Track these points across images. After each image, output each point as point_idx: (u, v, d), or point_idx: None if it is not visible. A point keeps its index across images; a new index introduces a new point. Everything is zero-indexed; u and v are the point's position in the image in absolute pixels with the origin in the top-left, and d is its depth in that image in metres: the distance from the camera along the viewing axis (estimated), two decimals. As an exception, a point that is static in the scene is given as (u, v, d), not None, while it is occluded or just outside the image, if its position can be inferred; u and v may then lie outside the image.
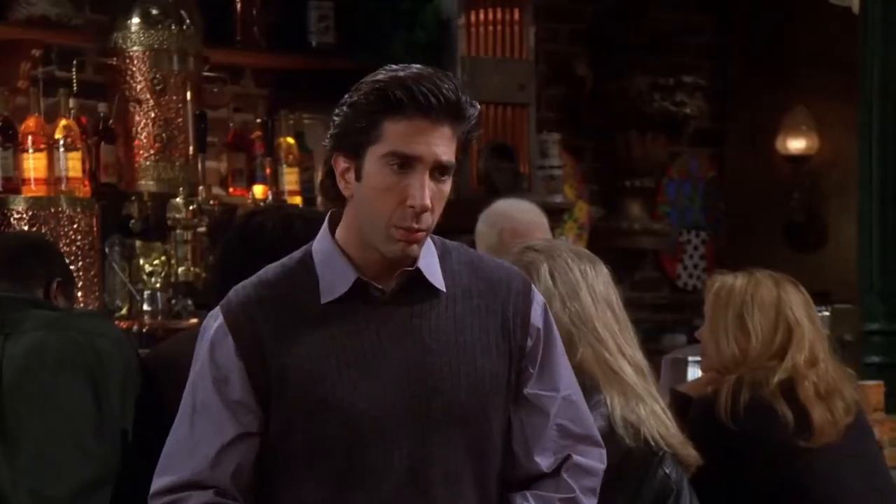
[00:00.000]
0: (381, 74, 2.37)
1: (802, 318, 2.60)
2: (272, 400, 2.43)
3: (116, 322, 4.45)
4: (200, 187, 4.81)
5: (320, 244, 2.48)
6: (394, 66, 2.42)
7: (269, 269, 2.51)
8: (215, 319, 2.46)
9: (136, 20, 4.82)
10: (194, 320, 4.54)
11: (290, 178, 5.26)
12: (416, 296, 2.48)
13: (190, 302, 4.77)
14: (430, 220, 2.39)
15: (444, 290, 2.50)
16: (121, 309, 4.76)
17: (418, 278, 2.47)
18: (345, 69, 5.02)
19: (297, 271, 2.47)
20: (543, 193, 5.75)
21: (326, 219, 2.50)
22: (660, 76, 6.76)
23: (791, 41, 7.10)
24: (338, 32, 5.61)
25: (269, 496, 2.49)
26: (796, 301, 2.62)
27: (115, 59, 4.82)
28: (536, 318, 2.52)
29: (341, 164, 2.42)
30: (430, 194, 2.37)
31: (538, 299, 2.54)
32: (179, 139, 4.84)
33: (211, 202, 4.84)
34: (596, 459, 2.51)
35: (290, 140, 5.28)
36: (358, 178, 2.40)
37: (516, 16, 5.74)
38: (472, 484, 2.49)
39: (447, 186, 2.42)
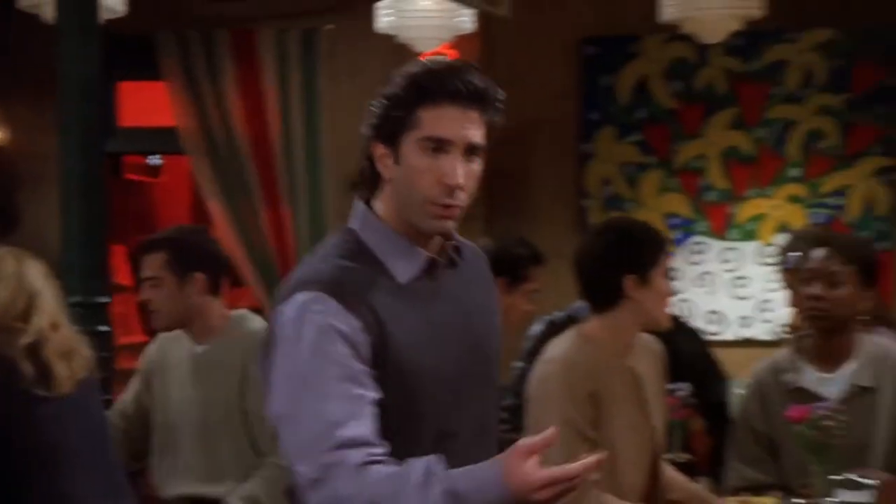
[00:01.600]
0: (414, 67, 2.54)
1: (42, 287, 2.89)
2: (377, 367, 2.50)
3: None
4: None
5: (370, 228, 2.60)
6: (426, 60, 2.60)
7: (330, 252, 2.60)
8: (312, 298, 2.48)
9: None
10: None
11: None
12: (453, 270, 2.68)
13: None
14: (463, 196, 2.56)
15: (463, 263, 2.71)
16: None
17: (455, 251, 2.69)
18: None
19: (357, 253, 2.58)
20: None
21: (361, 204, 2.62)
22: None
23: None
24: None
25: None
26: (35, 273, 2.91)
27: None
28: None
29: (380, 150, 2.56)
30: (463, 173, 2.53)
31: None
32: None
33: None
34: None
35: None
36: (396, 161, 2.54)
37: None
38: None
39: (478, 166, 2.58)
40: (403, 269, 2.57)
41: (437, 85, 2.51)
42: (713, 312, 7.11)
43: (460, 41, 6.53)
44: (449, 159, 2.51)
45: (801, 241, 4.80)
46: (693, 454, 4.48)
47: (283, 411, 2.49)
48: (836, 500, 3.90)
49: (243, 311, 4.64)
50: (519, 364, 5.00)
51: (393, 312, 2.52)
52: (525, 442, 2.41)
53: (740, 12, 5.94)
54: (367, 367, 2.48)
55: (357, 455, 2.41)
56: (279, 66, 7.20)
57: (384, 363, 2.50)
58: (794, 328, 4.82)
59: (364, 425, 2.44)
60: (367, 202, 2.63)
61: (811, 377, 4.26)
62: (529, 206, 7.31)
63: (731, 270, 7.18)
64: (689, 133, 7.33)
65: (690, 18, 6.05)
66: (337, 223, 7.16)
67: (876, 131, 7.25)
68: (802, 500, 3.99)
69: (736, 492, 4.20)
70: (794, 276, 4.48)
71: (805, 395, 4.19)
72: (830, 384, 4.26)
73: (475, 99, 2.52)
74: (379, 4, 6.11)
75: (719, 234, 7.22)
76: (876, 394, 4.22)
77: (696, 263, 7.18)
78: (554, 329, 4.66)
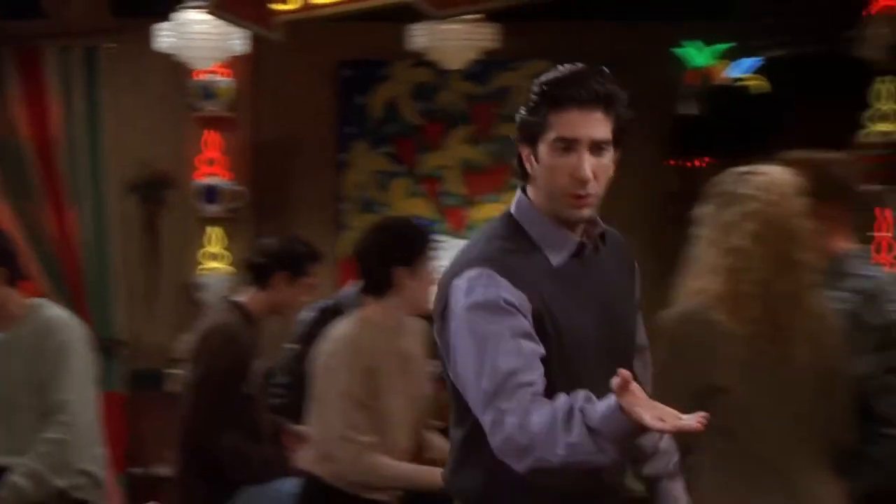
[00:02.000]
0: (544, 77, 2.61)
1: None
2: (542, 325, 2.57)
3: None
4: None
5: (527, 214, 2.66)
6: (558, 69, 2.62)
7: (494, 234, 2.68)
8: (482, 273, 2.56)
9: None
10: None
11: None
12: (597, 255, 2.73)
13: None
14: (594, 187, 2.61)
15: (605, 248, 2.76)
16: None
17: (600, 236, 2.74)
18: None
19: (516, 235, 2.66)
20: None
21: (520, 192, 2.68)
22: None
23: None
24: None
25: None
26: None
27: None
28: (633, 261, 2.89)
29: (525, 151, 2.63)
30: (591, 166, 2.58)
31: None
32: None
33: None
34: None
35: None
36: (537, 160, 2.61)
37: None
38: None
39: (606, 159, 2.62)
40: (556, 253, 2.65)
41: (561, 92, 2.57)
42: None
43: (234, 61, 6.68)
44: (577, 155, 2.57)
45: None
46: (444, 421, 4.54)
47: (466, 370, 2.55)
48: None
49: (41, 300, 4.62)
50: (291, 346, 5.09)
51: (549, 291, 2.60)
52: (618, 380, 2.36)
53: (477, 44, 6.29)
54: (533, 330, 2.55)
55: (526, 396, 2.46)
56: (63, 80, 7.22)
57: (545, 331, 2.58)
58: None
59: (534, 372, 2.50)
60: (524, 190, 2.69)
61: None
62: (293, 209, 7.44)
63: (466, 265, 7.34)
64: (432, 146, 7.63)
65: (435, 47, 6.37)
66: (119, 223, 7.26)
67: (589, 147, 7.64)
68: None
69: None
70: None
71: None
72: None
73: (596, 101, 2.57)
74: (158, 26, 6.19)
75: (457, 233, 7.43)
76: None
77: (437, 259, 7.41)
78: (325, 315, 4.78)
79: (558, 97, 2.56)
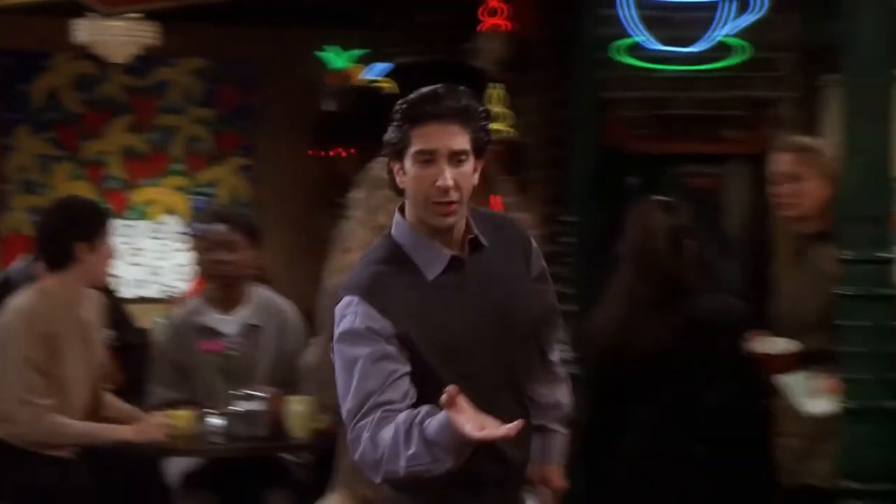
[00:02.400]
0: (405, 98, 2.56)
1: None
2: (411, 342, 2.53)
3: None
4: None
5: (402, 233, 2.62)
6: (418, 91, 2.56)
7: (371, 258, 2.64)
8: (352, 301, 2.54)
9: None
10: None
11: None
12: (477, 254, 2.64)
13: None
14: (456, 195, 2.53)
15: (487, 244, 2.65)
16: None
17: (477, 243, 2.63)
18: None
19: (392, 255, 2.61)
20: None
21: (397, 212, 2.63)
22: None
23: None
24: None
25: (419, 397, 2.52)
26: None
27: None
28: (529, 241, 2.78)
29: (395, 167, 2.57)
30: (452, 175, 2.51)
31: (520, 226, 2.83)
32: None
33: None
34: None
35: None
36: (404, 174, 2.55)
37: None
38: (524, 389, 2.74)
39: (466, 167, 2.54)
40: (430, 268, 2.59)
41: (420, 109, 2.54)
42: (114, 276, 7.30)
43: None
44: (437, 167, 2.52)
45: (205, 216, 4.92)
46: (115, 383, 4.45)
47: (339, 390, 2.57)
48: (238, 409, 4.10)
49: None
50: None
51: (418, 306, 2.57)
52: (445, 396, 2.40)
53: (139, 40, 6.24)
54: (397, 349, 2.54)
55: (379, 413, 2.48)
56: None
57: (415, 347, 2.56)
58: (200, 283, 4.89)
59: (394, 391, 2.51)
60: (402, 211, 2.65)
61: (215, 318, 4.39)
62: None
63: (127, 243, 7.31)
64: (94, 134, 7.53)
65: (98, 42, 6.28)
66: None
67: (238, 139, 7.78)
68: (213, 411, 4.14)
69: (158, 408, 4.25)
70: (200, 243, 4.48)
71: (211, 332, 4.36)
72: (230, 324, 4.41)
73: (452, 115, 2.52)
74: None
75: (119, 214, 7.38)
76: (261, 330, 4.42)
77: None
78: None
79: (417, 114, 2.53)
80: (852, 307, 3.39)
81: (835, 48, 3.73)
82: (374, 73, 7.57)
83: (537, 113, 5.80)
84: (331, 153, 7.75)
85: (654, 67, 5.58)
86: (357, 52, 7.69)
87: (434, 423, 2.39)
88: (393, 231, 2.65)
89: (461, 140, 2.54)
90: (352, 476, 2.69)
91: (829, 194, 3.77)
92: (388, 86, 7.54)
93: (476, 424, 2.32)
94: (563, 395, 2.90)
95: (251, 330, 4.43)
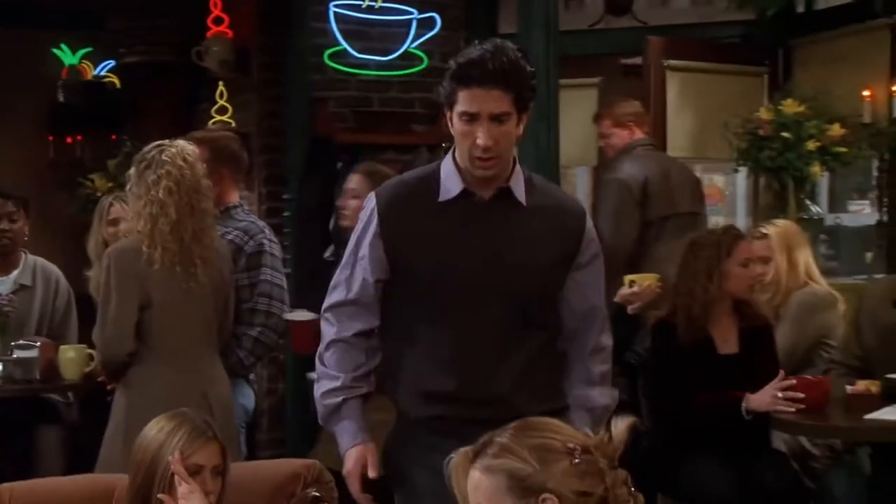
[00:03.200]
0: (459, 55, 2.40)
1: None
2: (401, 258, 2.44)
3: None
4: None
5: (446, 164, 2.48)
6: (469, 49, 2.39)
7: (411, 173, 2.58)
8: (371, 201, 2.49)
9: None
10: None
11: None
12: (505, 205, 2.45)
13: None
14: (495, 151, 2.38)
15: (525, 204, 2.45)
16: None
17: (508, 193, 2.44)
18: None
19: (429, 175, 2.50)
20: None
21: (453, 147, 2.46)
22: None
23: None
24: None
25: (394, 315, 2.48)
26: None
27: None
28: (588, 236, 2.51)
29: (447, 114, 2.43)
30: (492, 134, 2.36)
31: (590, 223, 2.53)
32: None
33: None
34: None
35: None
36: (452, 124, 2.42)
37: None
38: (513, 341, 2.44)
39: (507, 126, 2.38)
40: (445, 192, 2.46)
41: (466, 73, 2.38)
42: None
43: None
44: (479, 126, 2.38)
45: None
46: None
47: (342, 263, 2.55)
48: (12, 356, 4.00)
49: None
50: None
51: (417, 223, 2.47)
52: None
53: None
54: (382, 254, 2.47)
55: (342, 316, 2.50)
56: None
57: (394, 257, 2.47)
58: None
59: (364, 286, 2.49)
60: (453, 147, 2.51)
61: None
62: None
63: None
64: None
65: None
66: None
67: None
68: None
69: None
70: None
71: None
72: (3, 283, 4.36)
73: (495, 80, 2.35)
74: None
75: None
76: (32, 290, 4.39)
77: None
78: None
79: (462, 76, 2.39)
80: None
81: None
82: (103, 69, 7.44)
83: (258, 106, 5.84)
84: (64, 139, 7.53)
85: (356, 72, 5.75)
86: (87, 50, 7.48)
87: (346, 429, 2.47)
88: (443, 160, 2.52)
89: (503, 103, 2.38)
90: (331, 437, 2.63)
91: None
92: (112, 81, 7.42)
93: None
94: (599, 396, 2.54)
95: (22, 289, 4.37)
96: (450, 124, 2.45)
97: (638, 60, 5.81)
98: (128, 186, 3.52)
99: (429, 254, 2.45)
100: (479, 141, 2.38)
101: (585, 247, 2.52)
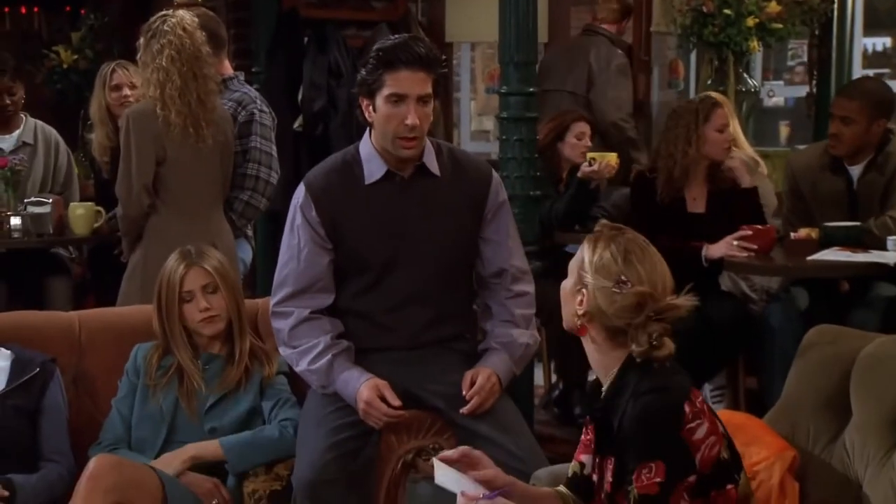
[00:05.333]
0: (378, 45, 2.61)
1: None
2: (337, 237, 2.66)
3: None
4: None
5: (364, 147, 2.69)
6: (388, 38, 2.62)
7: (333, 159, 2.73)
8: (301, 191, 2.68)
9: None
10: None
11: None
12: (422, 179, 2.68)
13: None
14: (419, 131, 2.59)
15: (439, 175, 2.67)
16: None
17: (424, 170, 2.67)
18: None
19: (350, 160, 2.70)
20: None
21: (367, 130, 2.66)
22: None
23: None
24: None
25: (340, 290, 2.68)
26: None
27: None
28: (494, 194, 2.73)
29: (364, 102, 2.61)
30: (418, 115, 2.57)
31: (496, 179, 2.75)
32: None
33: None
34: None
35: None
36: (374, 110, 2.60)
37: None
38: (439, 295, 2.70)
39: (429, 109, 2.61)
40: (370, 175, 2.68)
41: (394, 56, 2.56)
42: None
43: None
44: (407, 106, 2.57)
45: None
46: None
47: (282, 261, 2.75)
48: (27, 212, 4.13)
49: None
50: None
51: (348, 206, 2.67)
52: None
53: None
54: (324, 238, 2.69)
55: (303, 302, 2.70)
56: None
57: (334, 239, 2.69)
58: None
59: (314, 270, 2.68)
60: (370, 130, 2.69)
61: None
62: None
63: None
64: None
65: None
66: None
67: None
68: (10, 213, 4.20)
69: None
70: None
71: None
72: (6, 141, 4.51)
73: (420, 63, 2.57)
74: None
75: None
76: (35, 147, 4.50)
77: None
78: None
79: (391, 60, 2.57)
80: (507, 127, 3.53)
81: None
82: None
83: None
84: (20, 10, 7.42)
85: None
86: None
87: (348, 382, 2.64)
88: (361, 143, 2.72)
89: (427, 85, 2.59)
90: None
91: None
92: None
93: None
94: (520, 335, 2.77)
95: (25, 146, 4.53)
96: (367, 113, 2.62)
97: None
98: (138, 55, 3.74)
99: (361, 234, 2.66)
100: (408, 121, 2.56)
101: (491, 203, 2.74)
